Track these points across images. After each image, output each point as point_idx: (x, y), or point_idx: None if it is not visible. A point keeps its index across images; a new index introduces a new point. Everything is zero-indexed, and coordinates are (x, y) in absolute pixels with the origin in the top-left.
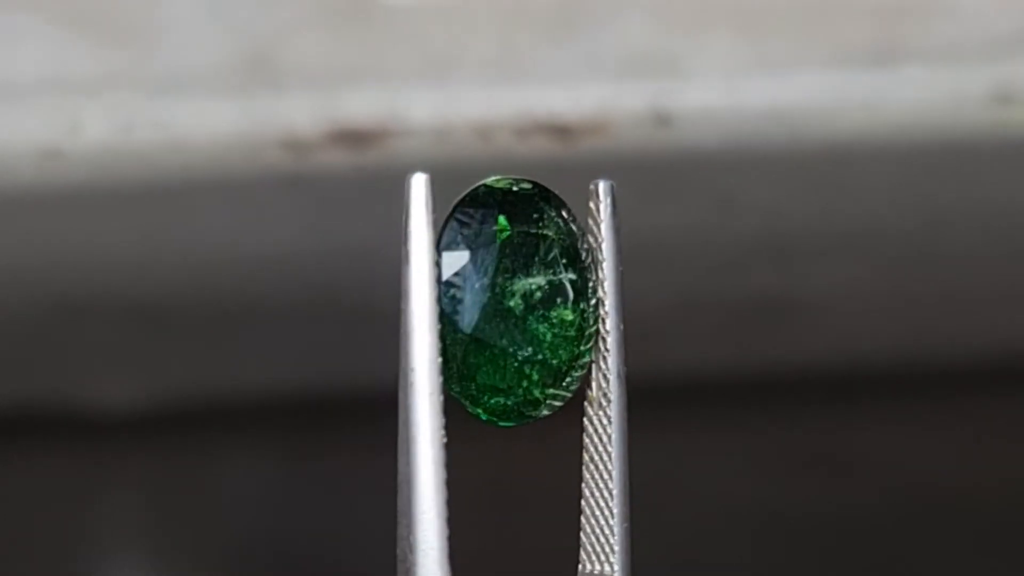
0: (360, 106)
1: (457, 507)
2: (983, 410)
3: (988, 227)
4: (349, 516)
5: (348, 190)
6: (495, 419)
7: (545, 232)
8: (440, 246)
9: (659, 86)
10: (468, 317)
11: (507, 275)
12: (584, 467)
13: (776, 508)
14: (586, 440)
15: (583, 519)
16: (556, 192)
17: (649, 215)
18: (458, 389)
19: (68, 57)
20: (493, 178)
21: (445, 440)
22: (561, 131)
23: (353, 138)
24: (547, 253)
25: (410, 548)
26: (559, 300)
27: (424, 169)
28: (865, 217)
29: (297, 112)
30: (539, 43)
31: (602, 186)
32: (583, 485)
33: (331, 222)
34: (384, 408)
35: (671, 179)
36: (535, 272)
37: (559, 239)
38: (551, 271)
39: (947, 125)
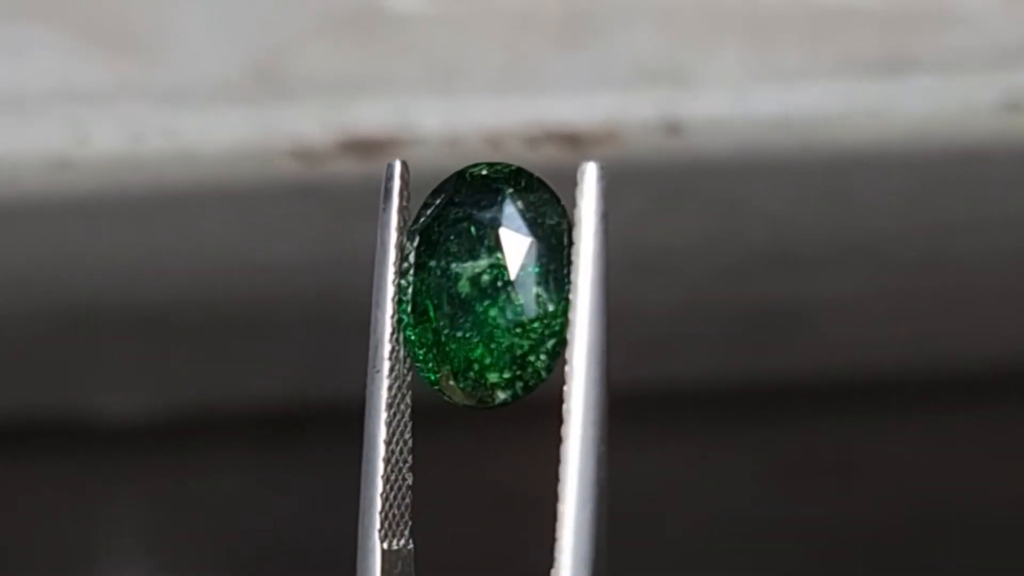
0: (370, 115)
1: (459, 509)
2: (991, 418)
3: (997, 235)
4: (355, 523)
5: (358, 199)
6: (453, 401)
7: (495, 215)
8: (410, 231)
9: (669, 95)
10: (426, 300)
11: (453, 258)
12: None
13: (783, 516)
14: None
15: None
16: (536, 174)
17: (658, 223)
18: (422, 369)
19: (77, 67)
20: (471, 164)
21: (409, 423)
22: (571, 140)
23: (363, 147)
24: (496, 237)
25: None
26: (502, 283)
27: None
28: (873, 225)
29: (307, 122)
30: (549, 52)
31: (583, 167)
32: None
33: (341, 231)
34: None
35: (680, 188)
36: (482, 255)
37: (524, 223)
38: (506, 255)
39: (956, 134)
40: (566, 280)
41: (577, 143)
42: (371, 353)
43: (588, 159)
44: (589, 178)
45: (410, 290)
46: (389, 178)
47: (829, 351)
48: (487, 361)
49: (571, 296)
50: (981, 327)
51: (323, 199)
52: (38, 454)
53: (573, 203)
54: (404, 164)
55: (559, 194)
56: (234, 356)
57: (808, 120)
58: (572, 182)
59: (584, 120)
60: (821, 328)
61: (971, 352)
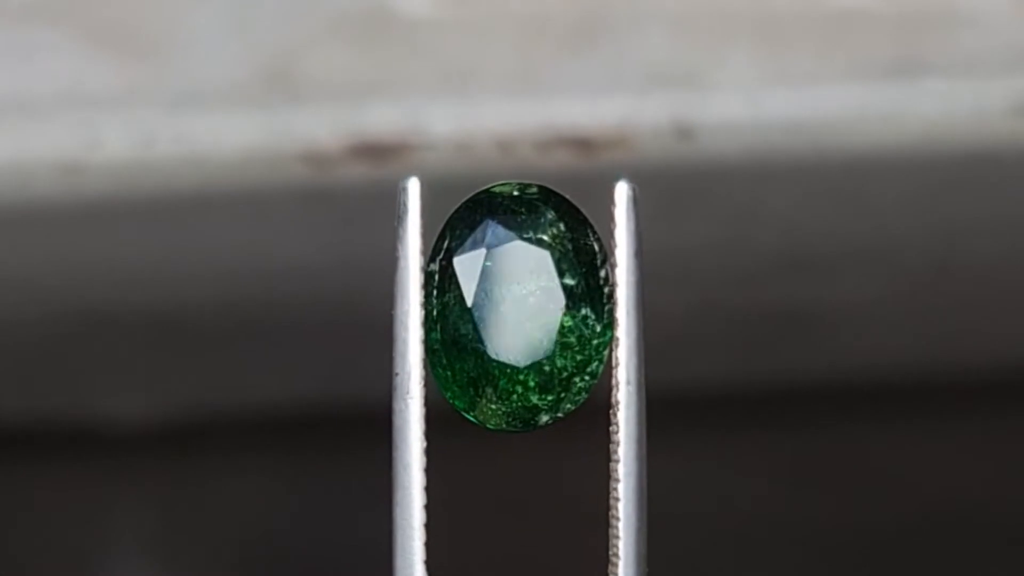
0: (381, 120)
1: (470, 516)
2: (1003, 423)
3: (1008, 239)
4: (364, 529)
5: (369, 204)
6: (494, 426)
7: (541, 237)
8: (434, 252)
9: (680, 99)
10: (460, 324)
11: (498, 281)
12: (610, 475)
13: (794, 520)
14: (610, 447)
15: (609, 527)
16: (566, 196)
17: (670, 228)
18: (453, 396)
19: (88, 71)
20: (499, 183)
21: (424, 445)
22: (582, 144)
23: (374, 152)
24: (541, 259)
25: (395, 553)
26: (553, 306)
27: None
28: (885, 229)
29: (317, 126)
30: (560, 56)
31: (618, 188)
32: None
33: (352, 236)
34: None
35: (692, 191)
36: (526, 278)
37: (556, 244)
38: (544, 276)
39: (968, 137)
40: (606, 301)
41: (589, 147)
42: (399, 380)
43: (619, 177)
44: (626, 198)
45: (435, 313)
46: (406, 197)
47: (841, 355)
48: (531, 384)
49: (618, 316)
50: (994, 330)
51: (334, 203)
52: (46, 458)
53: (595, 219)
54: (420, 182)
55: (559, 192)
56: (243, 360)
57: (820, 124)
58: (584, 188)
59: (596, 124)
60: (833, 332)
61: (984, 355)
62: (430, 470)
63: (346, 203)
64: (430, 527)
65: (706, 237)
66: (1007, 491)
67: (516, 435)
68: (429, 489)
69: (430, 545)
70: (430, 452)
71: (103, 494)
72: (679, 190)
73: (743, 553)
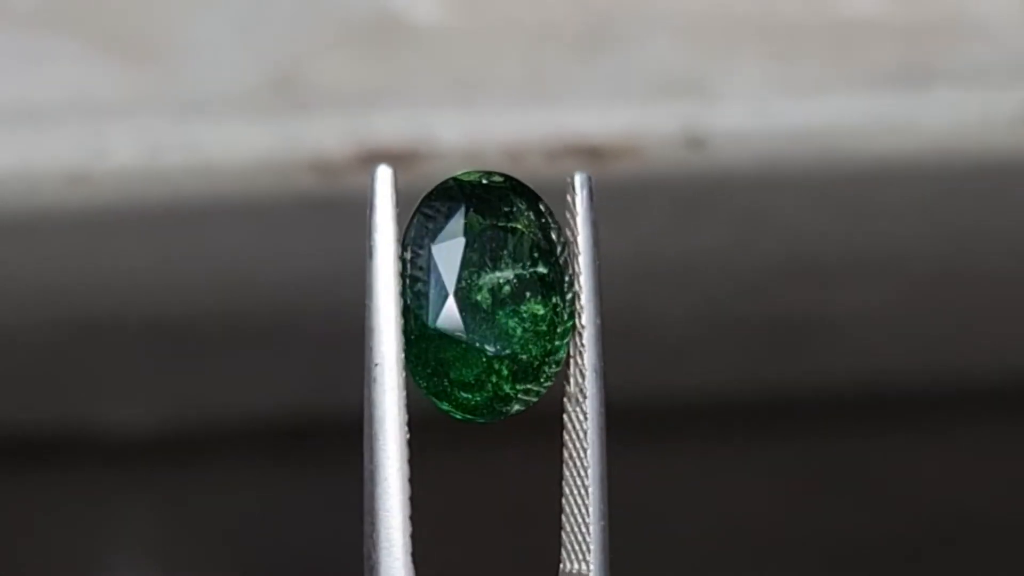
0: (389, 128)
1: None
2: (1009, 430)
3: (1015, 247)
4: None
5: None
6: (466, 415)
7: (514, 225)
8: (405, 241)
9: (689, 108)
10: (435, 312)
11: (474, 269)
12: (563, 464)
13: (801, 529)
14: (564, 437)
15: (563, 517)
16: (528, 185)
17: (679, 236)
18: (426, 385)
19: (95, 79)
20: (463, 171)
21: (408, 436)
22: (592, 153)
23: (382, 160)
24: (516, 247)
25: (374, 546)
26: (528, 294)
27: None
28: (892, 237)
29: (326, 134)
30: (569, 65)
31: (578, 178)
32: (562, 483)
33: (359, 244)
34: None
35: (701, 200)
36: (503, 266)
37: (529, 232)
38: (520, 265)
39: (976, 146)
40: (567, 289)
41: (598, 156)
42: (376, 372)
43: (576, 171)
44: (580, 186)
45: (407, 302)
46: (379, 186)
47: (848, 363)
48: (505, 373)
49: (580, 304)
50: (1001, 339)
51: (341, 212)
52: (45, 466)
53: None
54: (393, 171)
55: (523, 181)
56: (248, 368)
57: (828, 132)
58: (596, 197)
59: (605, 133)
60: (840, 340)
61: (990, 364)
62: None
63: (354, 211)
64: (413, 520)
65: (714, 245)
66: (1013, 498)
67: (486, 427)
68: (413, 482)
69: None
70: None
71: (105, 500)
72: (688, 198)
73: (747, 560)
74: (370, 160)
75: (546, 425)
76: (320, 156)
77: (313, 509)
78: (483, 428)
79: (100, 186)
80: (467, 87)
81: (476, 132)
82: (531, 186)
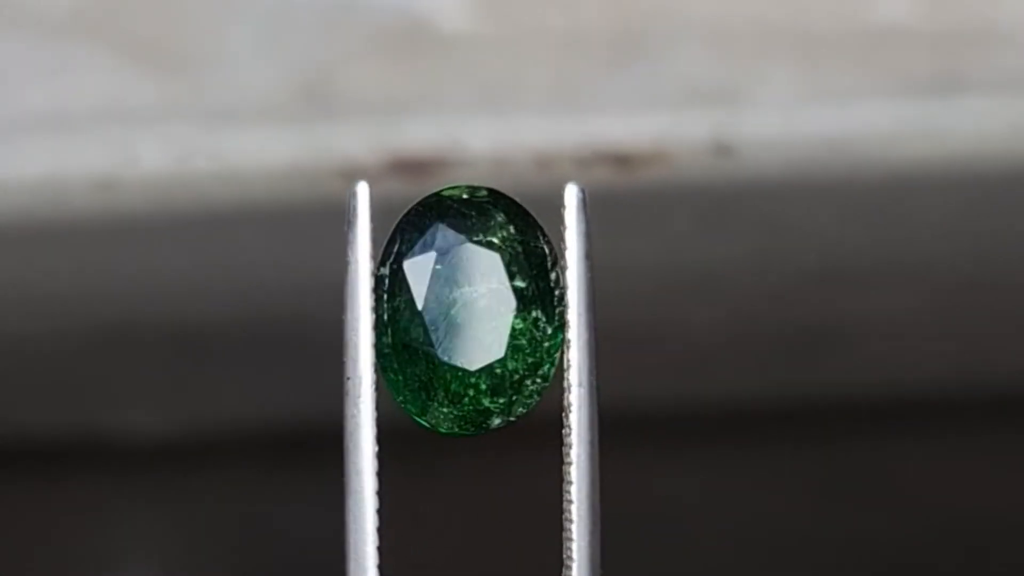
0: (418, 136)
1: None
2: None
3: None
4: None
5: None
6: (446, 430)
7: (491, 239)
8: (385, 256)
9: (719, 115)
10: (406, 327)
11: (446, 284)
12: (563, 477)
13: (825, 535)
14: (563, 450)
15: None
16: (516, 199)
17: (706, 243)
18: (405, 400)
19: (125, 87)
20: (449, 186)
21: (376, 449)
22: (621, 160)
23: (411, 168)
24: (490, 262)
25: (347, 558)
26: (503, 309)
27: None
28: (920, 245)
29: (354, 142)
30: (599, 72)
31: (567, 190)
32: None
33: None
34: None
35: (729, 207)
36: (476, 280)
37: (506, 247)
38: (495, 279)
39: (1005, 154)
40: (557, 303)
41: (627, 164)
42: (351, 384)
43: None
44: (573, 200)
45: (385, 317)
46: (356, 202)
47: (873, 370)
48: (483, 387)
49: (569, 318)
50: None
51: (371, 219)
52: (61, 471)
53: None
54: (368, 187)
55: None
56: (273, 375)
57: (858, 140)
58: (622, 204)
59: (634, 140)
60: (868, 347)
61: (1016, 372)
62: (383, 475)
63: (383, 219)
64: (385, 532)
65: (742, 252)
66: None
67: (471, 439)
68: (383, 494)
69: (384, 550)
70: (384, 458)
71: (116, 505)
72: (717, 206)
73: (773, 568)
74: (399, 167)
75: (555, 433)
76: (348, 163)
77: (326, 515)
78: (488, 437)
79: (129, 193)
80: (496, 94)
81: (505, 139)
82: (560, 196)
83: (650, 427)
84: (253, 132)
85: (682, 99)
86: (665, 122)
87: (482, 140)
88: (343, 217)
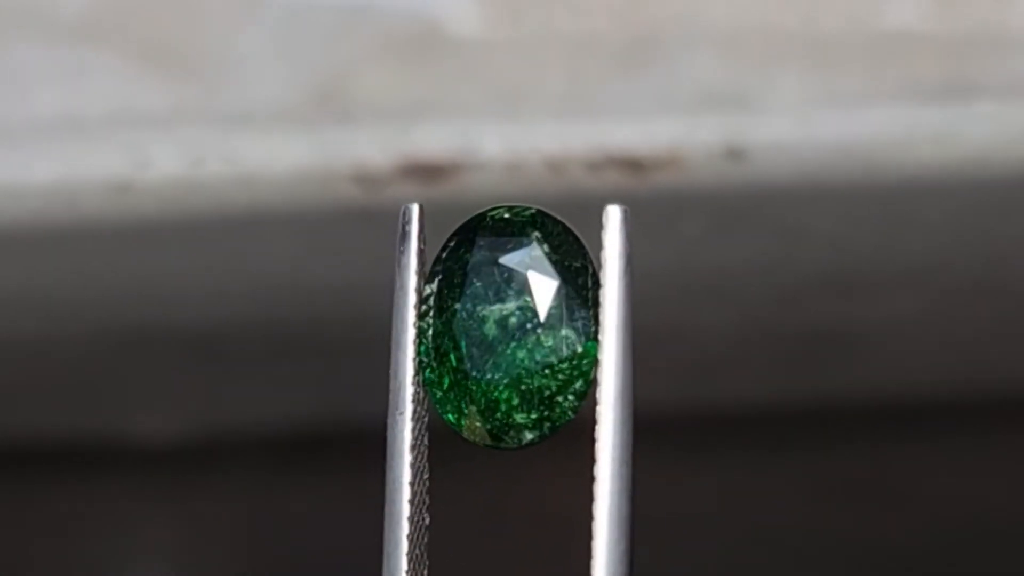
0: (431, 140)
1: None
2: None
3: None
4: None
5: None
6: (482, 443)
7: (523, 258)
8: (430, 275)
9: (731, 120)
10: (448, 343)
11: (480, 301)
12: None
13: (835, 539)
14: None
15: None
16: (561, 219)
17: (718, 247)
18: (445, 412)
19: (138, 91)
20: (495, 206)
21: (411, 459)
22: (633, 165)
23: (424, 172)
24: (523, 279)
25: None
26: (531, 326)
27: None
28: (930, 249)
29: (368, 146)
30: (611, 77)
31: (608, 211)
32: None
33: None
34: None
35: (741, 212)
36: (508, 298)
37: (539, 265)
38: (526, 296)
39: (1017, 159)
40: (592, 322)
41: (639, 168)
42: (392, 396)
43: (612, 202)
44: (614, 221)
45: (430, 332)
46: (407, 221)
47: (883, 374)
48: (515, 402)
49: (600, 338)
50: None
51: (383, 223)
52: (76, 473)
53: (596, 243)
54: (421, 207)
55: (553, 214)
56: (287, 378)
57: (870, 145)
58: (634, 209)
59: (646, 145)
60: (878, 352)
61: None
62: (416, 484)
63: (396, 223)
64: (423, 541)
65: (753, 256)
66: None
67: (511, 452)
68: (431, 505)
69: (423, 559)
70: (430, 468)
71: (130, 510)
72: (729, 210)
73: (784, 570)
74: (412, 172)
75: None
76: (362, 167)
77: (340, 518)
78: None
79: (143, 197)
80: (509, 99)
81: (518, 144)
82: (573, 200)
83: (660, 430)
84: (267, 136)
85: (694, 104)
86: (677, 127)
87: (495, 144)
88: (394, 235)
